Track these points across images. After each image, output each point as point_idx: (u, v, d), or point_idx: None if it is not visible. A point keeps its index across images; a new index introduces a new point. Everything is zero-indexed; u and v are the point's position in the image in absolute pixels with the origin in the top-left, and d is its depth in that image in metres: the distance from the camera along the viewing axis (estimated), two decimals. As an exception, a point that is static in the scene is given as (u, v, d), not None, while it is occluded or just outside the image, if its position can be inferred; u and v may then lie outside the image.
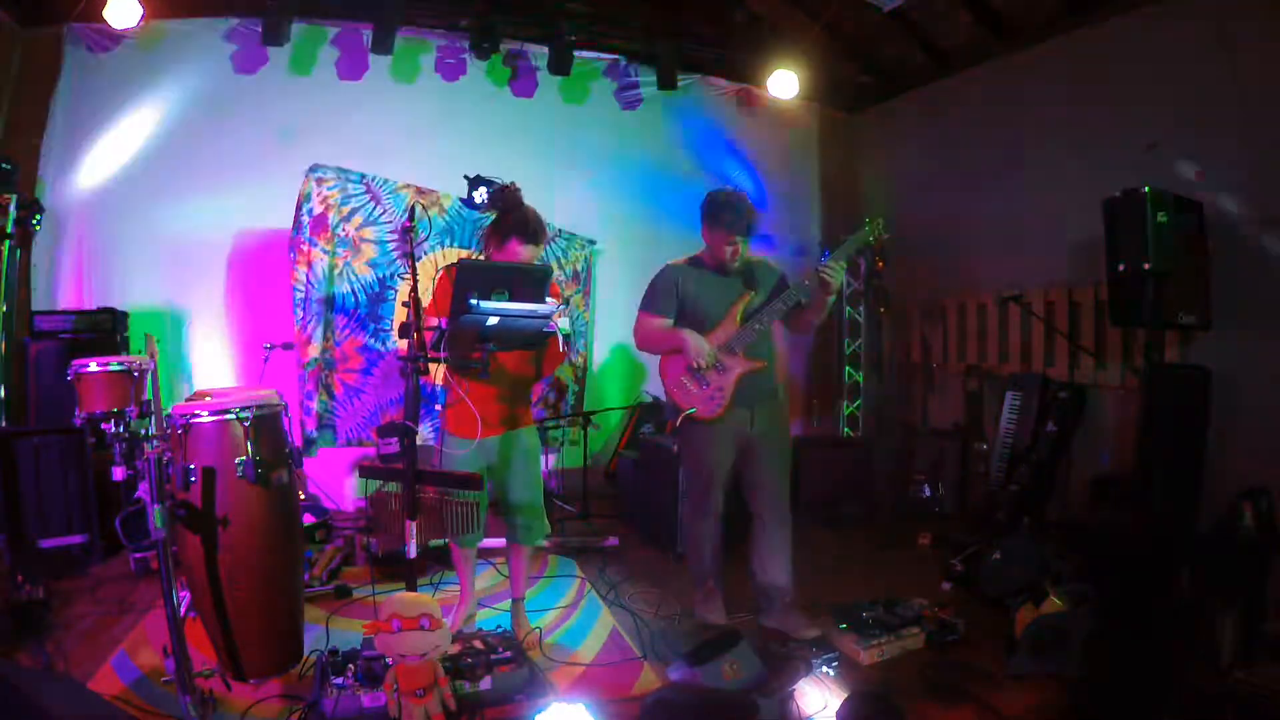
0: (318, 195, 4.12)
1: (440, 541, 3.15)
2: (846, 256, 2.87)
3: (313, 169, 4.13)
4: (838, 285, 2.85)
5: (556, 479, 5.04)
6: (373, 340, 4.32)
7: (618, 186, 5.40)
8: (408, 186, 4.35)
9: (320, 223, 4.13)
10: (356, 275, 4.26)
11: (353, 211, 4.21)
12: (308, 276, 4.12)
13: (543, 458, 4.90)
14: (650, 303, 2.97)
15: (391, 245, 4.31)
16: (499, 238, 2.68)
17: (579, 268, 5.05)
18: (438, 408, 4.33)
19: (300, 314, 4.13)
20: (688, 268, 2.99)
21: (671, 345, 2.89)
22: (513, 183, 2.78)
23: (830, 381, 5.91)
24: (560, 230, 4.89)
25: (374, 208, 4.27)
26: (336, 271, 4.20)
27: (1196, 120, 3.62)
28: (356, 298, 4.27)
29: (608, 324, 5.26)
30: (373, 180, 4.26)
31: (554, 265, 4.85)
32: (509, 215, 2.70)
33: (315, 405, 4.21)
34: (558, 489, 4.97)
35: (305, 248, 4.12)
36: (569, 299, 4.93)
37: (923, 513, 4.54)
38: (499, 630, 2.58)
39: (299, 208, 4.12)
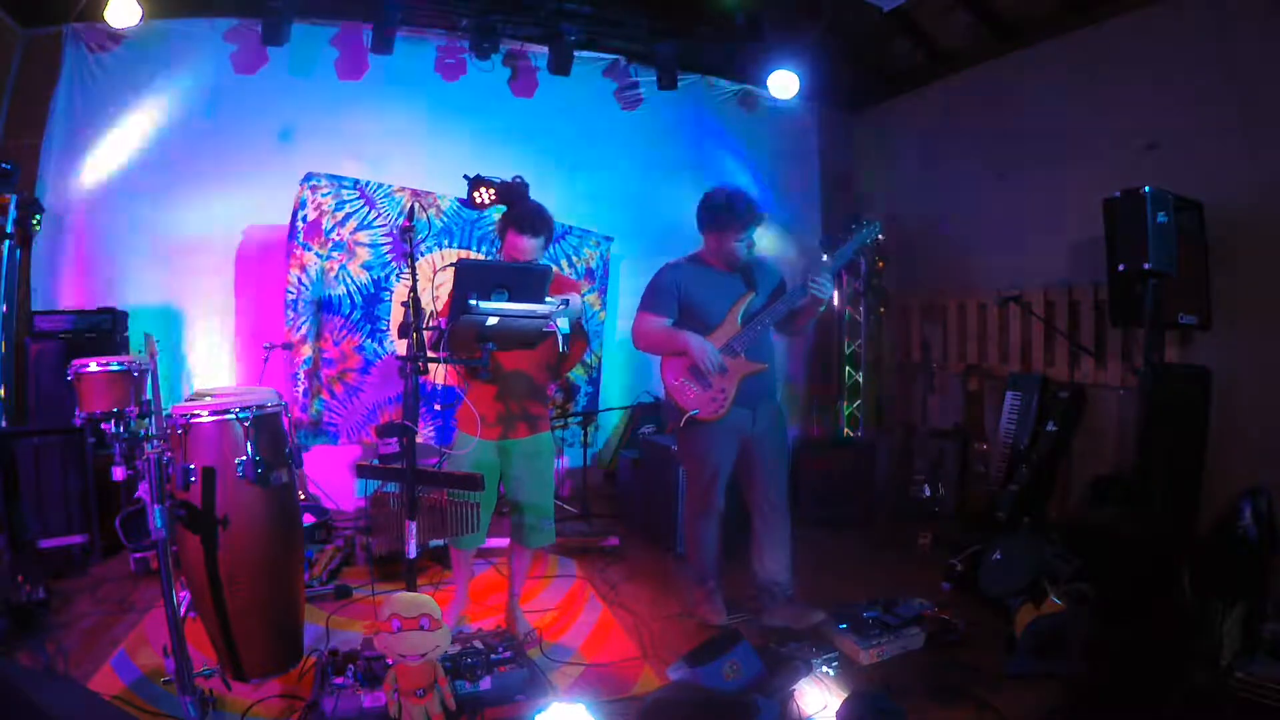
0: (312, 202, 4.15)
1: (440, 542, 3.15)
2: (834, 271, 2.88)
3: (307, 177, 4.15)
4: (826, 298, 2.85)
5: (556, 479, 5.03)
6: (369, 341, 4.34)
7: (617, 187, 5.39)
8: (403, 190, 4.36)
9: (314, 228, 4.16)
10: (352, 278, 4.28)
11: (347, 216, 4.24)
12: (300, 279, 4.15)
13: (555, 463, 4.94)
14: (650, 303, 2.96)
15: (385, 248, 4.32)
16: (501, 229, 2.71)
17: (593, 265, 5.02)
18: (437, 407, 4.36)
19: (291, 315, 4.15)
20: (688, 267, 2.99)
21: (673, 348, 2.89)
22: (517, 176, 2.78)
23: (830, 381, 5.91)
24: (571, 228, 4.88)
25: (368, 212, 4.29)
26: (332, 274, 4.23)
27: (1196, 120, 3.62)
28: (352, 300, 4.29)
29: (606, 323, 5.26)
30: (366, 185, 4.27)
31: (564, 264, 4.85)
32: (511, 208, 2.71)
33: (312, 404, 4.23)
34: (557, 489, 4.96)
35: (299, 252, 4.15)
36: (568, 300, 4.92)
37: (923, 513, 4.54)
38: (498, 630, 2.58)
39: (294, 214, 4.15)
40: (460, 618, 2.88)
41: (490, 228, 4.49)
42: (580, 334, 2.79)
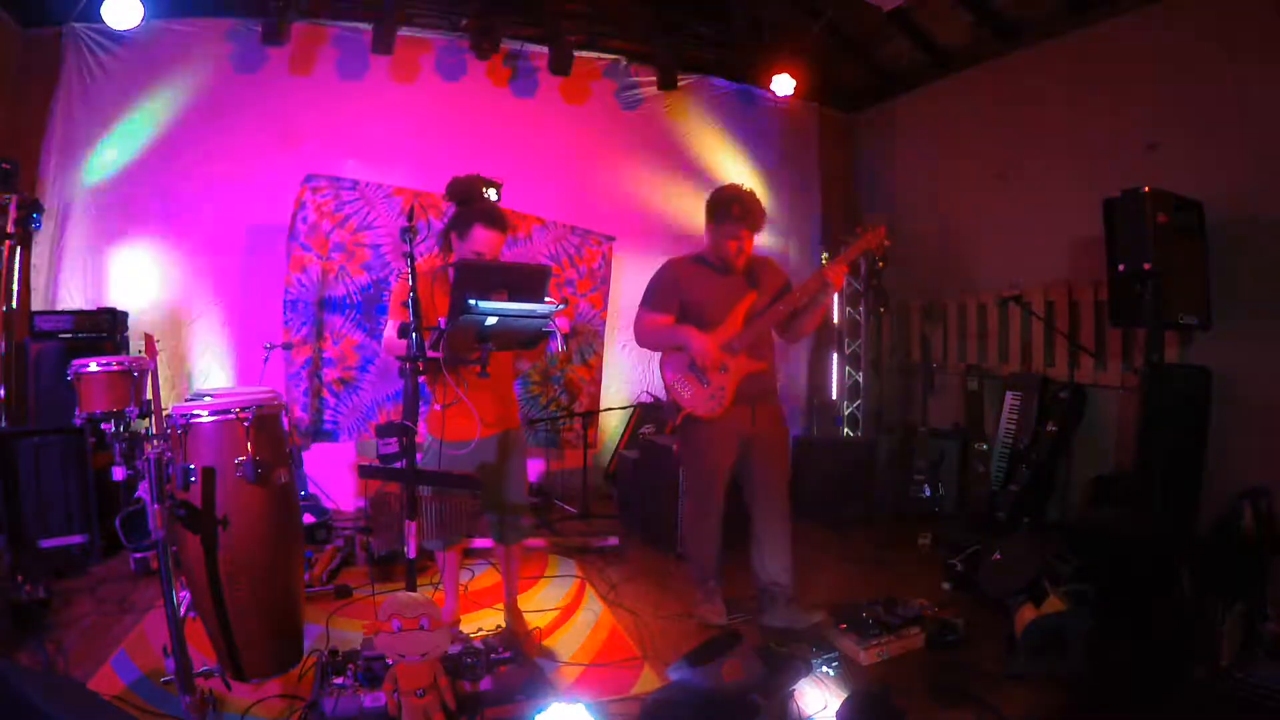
0: (312, 204, 4.16)
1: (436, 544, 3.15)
2: (850, 260, 2.86)
3: (307, 179, 4.15)
4: (840, 286, 2.84)
5: (557, 479, 5.04)
6: (368, 340, 4.34)
7: (617, 187, 5.39)
8: (402, 191, 4.36)
9: (314, 229, 4.17)
10: (351, 278, 4.29)
11: (346, 218, 4.24)
12: (300, 280, 4.16)
13: (546, 459, 4.94)
14: (651, 300, 2.96)
15: (385, 249, 4.32)
16: (462, 226, 2.65)
17: (595, 265, 5.02)
18: (436, 407, 4.36)
19: (290, 315, 4.16)
20: (691, 265, 2.98)
21: (674, 343, 2.88)
22: (475, 175, 2.79)
23: (830, 381, 5.91)
24: (573, 228, 4.88)
25: (368, 213, 4.29)
26: (332, 275, 4.24)
27: (1196, 120, 3.62)
28: (352, 300, 4.30)
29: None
30: (366, 186, 4.28)
31: (565, 263, 4.85)
32: (472, 204, 2.69)
33: (311, 404, 4.24)
34: (558, 489, 4.96)
35: (298, 252, 4.15)
36: (566, 300, 4.93)
37: (923, 513, 4.54)
38: (499, 630, 2.58)
39: (294, 215, 4.15)
40: (452, 622, 2.84)
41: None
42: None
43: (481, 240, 2.62)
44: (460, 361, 2.41)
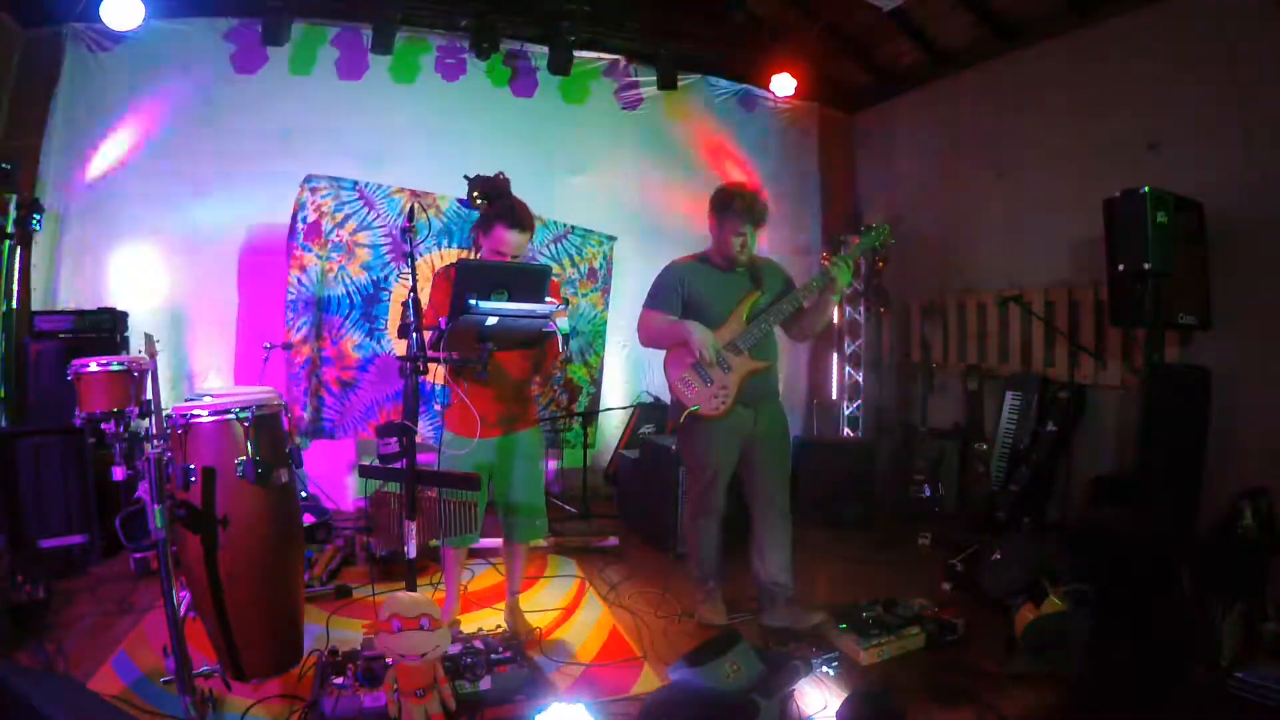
0: (311, 204, 4.15)
1: (437, 541, 3.15)
2: (853, 259, 2.88)
3: (307, 179, 4.14)
4: (844, 285, 2.85)
5: (557, 479, 5.03)
6: (368, 339, 4.34)
7: (617, 187, 5.40)
8: (401, 190, 4.36)
9: (314, 229, 4.16)
10: (351, 278, 4.29)
11: (346, 218, 4.23)
12: (300, 280, 4.16)
13: (546, 460, 4.93)
14: (655, 300, 2.97)
15: (385, 249, 4.32)
16: (485, 224, 2.67)
17: (596, 265, 5.01)
18: (437, 407, 4.36)
19: (291, 315, 4.16)
20: (694, 264, 2.99)
21: (676, 339, 2.88)
22: (500, 173, 2.78)
23: (830, 381, 5.91)
24: (574, 228, 4.88)
25: (368, 213, 4.29)
26: (332, 275, 4.23)
27: (1196, 120, 3.62)
28: (351, 299, 4.29)
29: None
30: (365, 186, 4.27)
31: (565, 263, 4.85)
32: (496, 203, 2.69)
33: (311, 403, 4.24)
34: (558, 489, 4.96)
35: (298, 252, 4.15)
36: (567, 300, 4.92)
37: (923, 513, 4.53)
38: (499, 630, 2.58)
39: (294, 215, 4.15)
40: (452, 621, 2.85)
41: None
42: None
43: (502, 240, 2.62)
44: (461, 362, 2.41)
